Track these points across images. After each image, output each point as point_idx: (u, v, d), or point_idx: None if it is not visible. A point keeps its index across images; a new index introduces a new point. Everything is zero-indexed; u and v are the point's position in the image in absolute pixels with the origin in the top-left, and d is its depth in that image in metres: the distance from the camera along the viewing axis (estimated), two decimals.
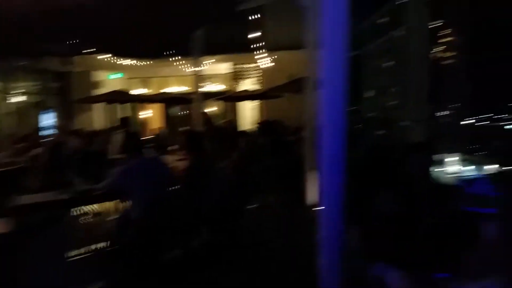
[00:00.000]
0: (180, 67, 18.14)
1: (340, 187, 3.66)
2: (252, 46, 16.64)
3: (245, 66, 21.06)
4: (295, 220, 6.00)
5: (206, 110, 18.04)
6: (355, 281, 3.35)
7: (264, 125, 13.96)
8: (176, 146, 10.23)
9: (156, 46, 16.03)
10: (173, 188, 6.18)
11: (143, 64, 19.22)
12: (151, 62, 19.34)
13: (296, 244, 5.44)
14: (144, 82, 23.26)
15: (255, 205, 7.43)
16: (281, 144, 10.12)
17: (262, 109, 19.65)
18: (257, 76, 20.75)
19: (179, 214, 5.72)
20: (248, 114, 21.16)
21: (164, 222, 5.43)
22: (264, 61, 18.43)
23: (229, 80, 21.90)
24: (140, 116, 22.68)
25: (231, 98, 19.44)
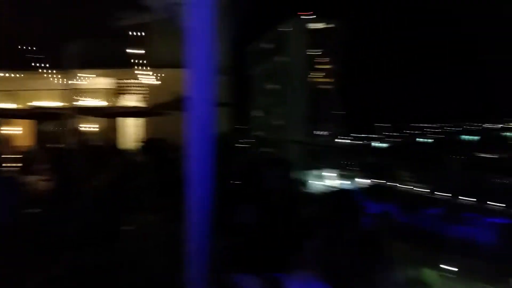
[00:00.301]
0: (54, 80, 16.83)
1: (208, 201, 3.76)
2: (136, 62, 16.26)
3: (128, 81, 20.37)
4: (171, 237, 5.94)
5: (84, 127, 16.93)
6: None
7: (148, 143, 13.60)
8: (43, 166, 9.36)
9: (25, 58, 14.76)
10: (32, 210, 5.62)
11: (9, 76, 17.42)
12: (19, 74, 17.63)
13: (170, 261, 5.38)
14: (10, 96, 20.94)
15: (132, 225, 7.13)
16: (164, 162, 9.98)
17: (146, 127, 19.14)
18: (141, 93, 20.22)
19: (39, 238, 5.20)
20: (132, 131, 20.43)
21: (19, 249, 4.88)
22: (149, 77, 18.10)
23: (110, 96, 20.92)
24: (5, 133, 20.28)
25: (112, 114, 18.55)
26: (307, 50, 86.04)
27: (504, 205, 54.52)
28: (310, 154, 79.57)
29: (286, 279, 3.09)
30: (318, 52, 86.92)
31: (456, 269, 38.52)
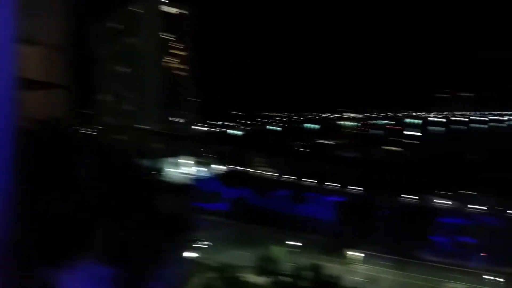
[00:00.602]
0: None
1: (8, 194, 2.92)
2: None
3: None
4: None
5: None
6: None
7: None
8: None
9: None
10: None
11: None
12: None
13: None
14: None
15: None
16: None
17: None
18: None
19: None
20: None
21: None
22: None
23: None
24: None
25: None
26: (161, 34, 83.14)
27: (339, 185, 62.29)
28: (165, 141, 77.73)
29: (77, 269, 2.47)
30: (173, 37, 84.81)
31: (300, 244, 42.15)
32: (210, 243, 41.06)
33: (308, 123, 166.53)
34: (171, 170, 64.36)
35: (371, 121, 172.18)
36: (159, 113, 78.07)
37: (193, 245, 40.44)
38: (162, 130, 75.46)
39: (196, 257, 37.82)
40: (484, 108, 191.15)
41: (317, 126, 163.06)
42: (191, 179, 68.84)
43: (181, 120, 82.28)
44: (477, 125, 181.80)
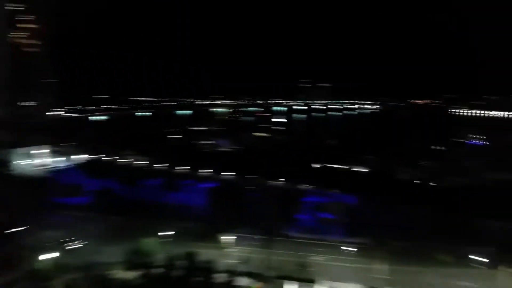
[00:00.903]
0: None
1: None
2: None
3: None
4: None
5: None
6: None
7: None
8: None
9: None
10: None
11: None
12: None
13: None
14: None
15: None
16: None
17: None
18: None
19: None
20: None
21: None
22: None
23: None
24: None
25: None
26: (6, 4, 71.95)
27: (212, 171, 62.53)
28: (10, 129, 67.17)
29: None
30: (21, 7, 73.88)
31: (173, 233, 40.89)
32: (74, 241, 37.20)
33: (180, 109, 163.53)
34: (20, 162, 55.88)
35: (242, 108, 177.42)
36: (4, 96, 67.65)
37: (53, 244, 36.09)
38: (7, 116, 65.59)
39: (56, 257, 33.82)
40: (339, 98, 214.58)
41: (189, 112, 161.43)
42: (44, 171, 60.84)
43: (32, 104, 72.39)
44: (334, 113, 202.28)
